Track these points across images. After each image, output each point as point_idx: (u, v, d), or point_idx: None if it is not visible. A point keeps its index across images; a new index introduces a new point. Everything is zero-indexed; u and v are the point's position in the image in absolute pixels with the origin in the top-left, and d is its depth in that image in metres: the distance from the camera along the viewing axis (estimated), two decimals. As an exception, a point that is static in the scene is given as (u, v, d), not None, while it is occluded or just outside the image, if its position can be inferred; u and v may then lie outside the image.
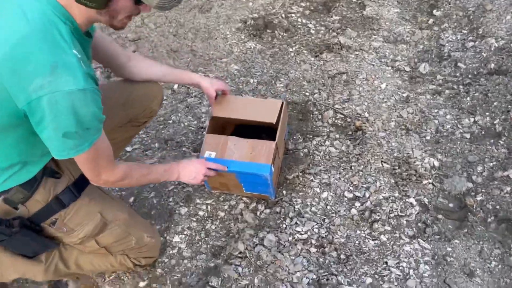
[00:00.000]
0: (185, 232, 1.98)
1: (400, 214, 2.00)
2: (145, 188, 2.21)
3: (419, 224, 1.97)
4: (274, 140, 1.90)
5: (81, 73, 1.17)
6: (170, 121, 2.63)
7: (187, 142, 2.47)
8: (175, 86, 2.77)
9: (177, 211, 2.06)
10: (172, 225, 2.01)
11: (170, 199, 2.14)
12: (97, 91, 1.24)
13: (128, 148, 2.45)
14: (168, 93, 2.71)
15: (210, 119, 2.03)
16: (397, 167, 2.23)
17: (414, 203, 2.05)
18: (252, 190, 2.00)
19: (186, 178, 1.71)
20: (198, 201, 2.11)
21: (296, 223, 1.95)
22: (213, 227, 2.00)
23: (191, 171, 1.72)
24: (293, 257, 1.82)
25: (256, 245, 1.87)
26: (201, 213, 2.06)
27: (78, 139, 1.23)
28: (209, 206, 2.08)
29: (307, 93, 2.76)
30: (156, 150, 2.43)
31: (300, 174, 2.20)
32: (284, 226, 1.94)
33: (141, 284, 1.79)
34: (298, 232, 1.91)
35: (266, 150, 1.88)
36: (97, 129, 1.28)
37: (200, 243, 1.94)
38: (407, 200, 2.06)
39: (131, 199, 2.15)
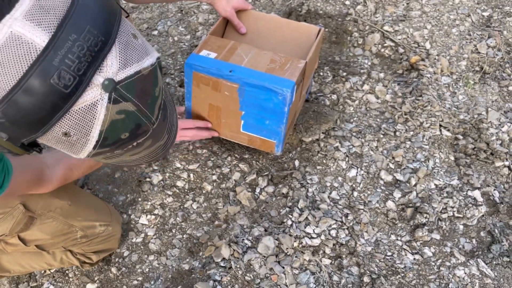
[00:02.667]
0: (156, 211, 1.46)
1: (456, 215, 1.41)
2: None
3: (481, 234, 1.39)
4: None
5: None
6: (156, 32, 1.95)
7: (174, 68, 1.81)
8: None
9: (148, 179, 1.52)
10: (140, 199, 1.49)
11: (142, 157, 1.58)
12: None
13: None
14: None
15: (219, 21, 1.46)
16: (461, 136, 1.57)
17: (479, 198, 1.44)
18: (253, 129, 1.38)
19: None
20: (178, 165, 1.54)
21: (306, 218, 1.39)
22: (195, 206, 1.47)
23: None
24: (297, 272, 1.30)
25: (247, 249, 1.34)
26: (180, 183, 1.51)
27: None
28: (192, 174, 1.52)
29: (347, 2, 1.97)
30: (131, 77, 1.79)
31: (322, 136, 1.57)
32: (290, 222, 1.39)
33: (89, 286, 1.33)
34: (308, 234, 1.36)
35: (292, 66, 1.29)
36: None
37: (174, 230, 1.43)
38: (469, 192, 1.45)
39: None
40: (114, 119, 0.54)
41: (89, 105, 0.52)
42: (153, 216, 1.45)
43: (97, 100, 0.52)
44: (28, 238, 1.13)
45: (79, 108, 0.52)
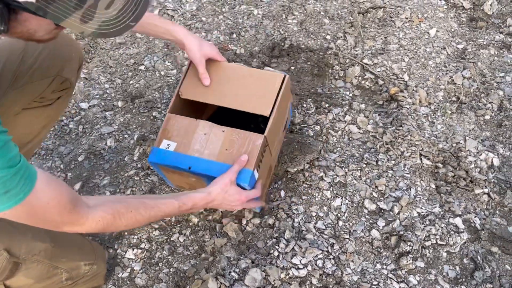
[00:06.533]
0: (143, 245, 1.46)
1: (439, 242, 1.43)
2: (96, 168, 1.65)
3: (465, 261, 1.41)
4: (262, 131, 1.29)
5: None
6: (142, 67, 1.99)
7: (161, 102, 1.85)
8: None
9: (134, 212, 1.52)
10: (126, 233, 1.49)
11: (128, 191, 1.59)
12: None
13: (83, 105, 1.85)
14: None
15: (176, 94, 1.40)
16: (441, 165, 1.61)
17: (461, 226, 1.47)
18: None
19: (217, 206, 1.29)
20: (164, 197, 1.55)
21: (293, 249, 1.40)
22: (181, 239, 1.47)
23: (224, 204, 1.27)
24: (284, 304, 1.31)
25: (234, 282, 1.34)
26: (166, 216, 1.51)
27: None
28: (178, 207, 1.53)
29: (327, 37, 2.04)
30: (118, 112, 1.82)
31: (307, 166, 1.60)
32: (276, 253, 1.40)
33: (75, 324, 1.31)
34: (295, 265, 1.37)
35: (249, 147, 1.27)
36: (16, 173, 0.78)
37: (160, 264, 1.42)
38: (451, 220, 1.48)
39: (78, 185, 1.61)
40: None
41: None
42: (139, 250, 1.45)
43: None
44: (13, 285, 1.11)
45: None
